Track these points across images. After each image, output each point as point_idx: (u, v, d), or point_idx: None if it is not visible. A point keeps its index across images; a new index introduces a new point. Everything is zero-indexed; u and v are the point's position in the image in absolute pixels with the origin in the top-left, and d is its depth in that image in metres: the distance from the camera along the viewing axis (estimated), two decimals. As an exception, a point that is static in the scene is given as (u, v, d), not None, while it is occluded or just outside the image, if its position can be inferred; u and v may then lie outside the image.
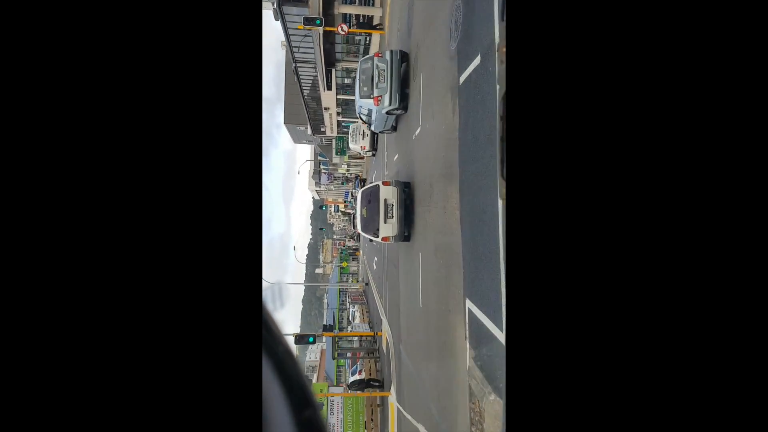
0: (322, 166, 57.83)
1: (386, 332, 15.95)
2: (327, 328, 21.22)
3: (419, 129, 10.18)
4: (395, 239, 10.86)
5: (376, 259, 17.77)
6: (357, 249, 56.44)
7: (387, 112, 12.24)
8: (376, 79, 11.60)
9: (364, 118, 13.88)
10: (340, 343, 20.36)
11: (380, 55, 11.79)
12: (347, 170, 51.45)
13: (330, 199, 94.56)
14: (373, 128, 14.59)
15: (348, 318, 35.73)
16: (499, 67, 4.88)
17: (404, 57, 11.58)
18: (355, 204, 13.02)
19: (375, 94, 11.72)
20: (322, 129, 38.37)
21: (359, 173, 48.20)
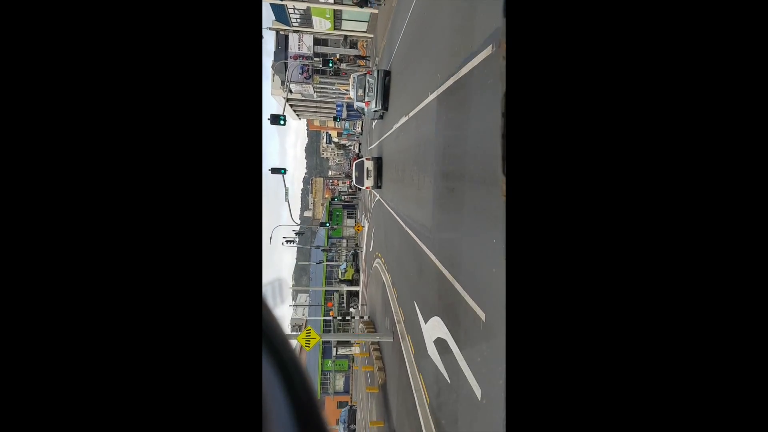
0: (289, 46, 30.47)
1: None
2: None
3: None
4: (373, 187, 18.99)
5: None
6: (354, 205, 46.23)
7: (374, 111, 18.18)
8: (367, 90, 17.38)
9: (358, 111, 19.87)
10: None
11: (371, 72, 17.46)
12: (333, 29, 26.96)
13: (316, 122, 67.57)
14: (365, 116, 20.91)
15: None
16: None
17: (387, 74, 17.22)
18: (352, 169, 20.86)
19: (366, 100, 17.56)
20: None
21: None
